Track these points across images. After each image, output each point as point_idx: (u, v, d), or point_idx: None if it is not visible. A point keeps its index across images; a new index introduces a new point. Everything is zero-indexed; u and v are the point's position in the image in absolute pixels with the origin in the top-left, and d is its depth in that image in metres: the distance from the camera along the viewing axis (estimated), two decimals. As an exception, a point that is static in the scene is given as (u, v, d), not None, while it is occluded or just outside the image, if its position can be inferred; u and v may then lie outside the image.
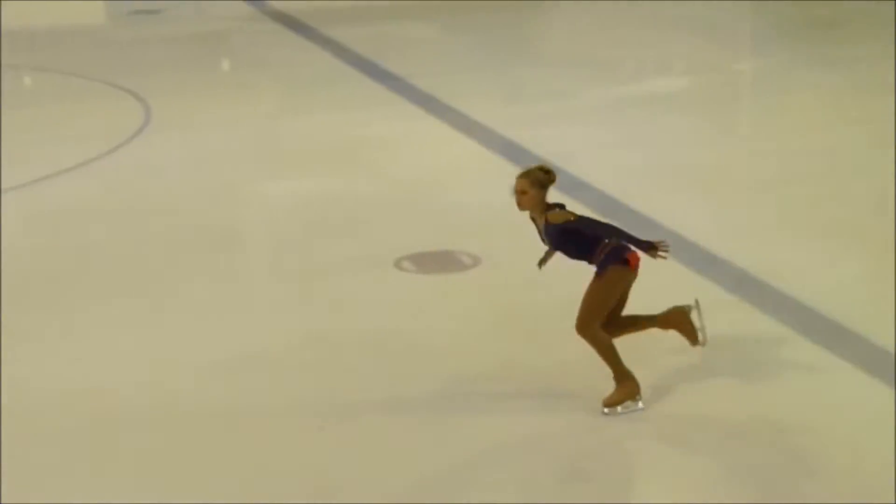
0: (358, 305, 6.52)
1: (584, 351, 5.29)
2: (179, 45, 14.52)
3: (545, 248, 5.40)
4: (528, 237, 7.47)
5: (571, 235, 5.20)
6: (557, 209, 5.23)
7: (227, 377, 5.69)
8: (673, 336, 5.51)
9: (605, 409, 5.23)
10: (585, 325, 5.22)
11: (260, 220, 8.24)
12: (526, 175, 5.25)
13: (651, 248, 5.16)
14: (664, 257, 5.20)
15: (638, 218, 7.60)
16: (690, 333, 5.49)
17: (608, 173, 8.61)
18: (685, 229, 7.31)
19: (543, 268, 5.50)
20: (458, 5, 16.76)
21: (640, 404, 5.27)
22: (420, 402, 5.40)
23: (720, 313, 5.81)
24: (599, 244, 5.17)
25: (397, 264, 7.05)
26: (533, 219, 5.37)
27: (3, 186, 8.66)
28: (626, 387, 5.28)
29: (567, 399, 5.37)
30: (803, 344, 5.82)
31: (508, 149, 9.38)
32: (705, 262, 6.84)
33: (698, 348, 5.52)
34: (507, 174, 8.69)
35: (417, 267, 7.06)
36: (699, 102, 10.91)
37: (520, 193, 5.24)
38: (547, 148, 9.20)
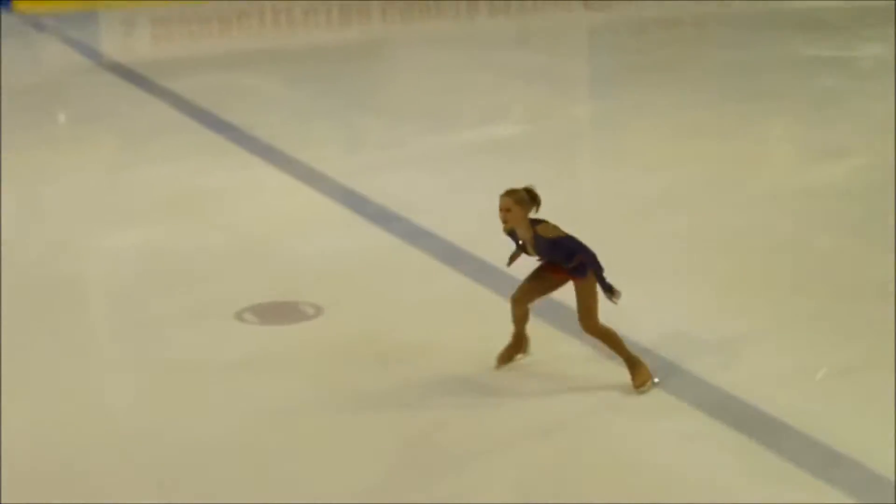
0: (198, 359, 6.37)
1: (429, 396, 5.25)
2: (14, 98, 14.15)
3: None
4: (370, 285, 7.46)
5: (557, 247, 5.70)
6: (544, 224, 5.71)
7: (60, 436, 5.49)
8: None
9: (640, 391, 5.74)
10: (592, 324, 5.74)
11: (96, 274, 8.02)
12: (509, 194, 5.70)
13: (609, 289, 5.68)
14: (615, 302, 5.71)
15: (481, 265, 7.62)
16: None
17: (450, 221, 8.63)
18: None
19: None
20: (297, 55, 16.77)
21: (657, 379, 5.82)
22: (263, 453, 5.29)
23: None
24: (576, 256, 5.68)
25: (238, 316, 6.93)
26: (511, 234, 5.79)
27: None
28: (641, 369, 5.81)
29: (412, 439, 5.32)
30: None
31: (349, 198, 9.35)
32: (547, 308, 6.87)
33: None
34: (349, 223, 8.78)
35: (259, 318, 6.95)
36: (537, 147, 11.03)
37: (504, 211, 5.68)
38: (388, 196, 9.20)
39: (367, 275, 7.65)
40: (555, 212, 8.64)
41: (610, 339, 5.81)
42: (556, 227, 5.72)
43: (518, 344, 6.10)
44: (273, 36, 19.95)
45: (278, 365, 6.28)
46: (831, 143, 10.81)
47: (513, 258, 5.96)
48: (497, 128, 12.09)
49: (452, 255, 7.85)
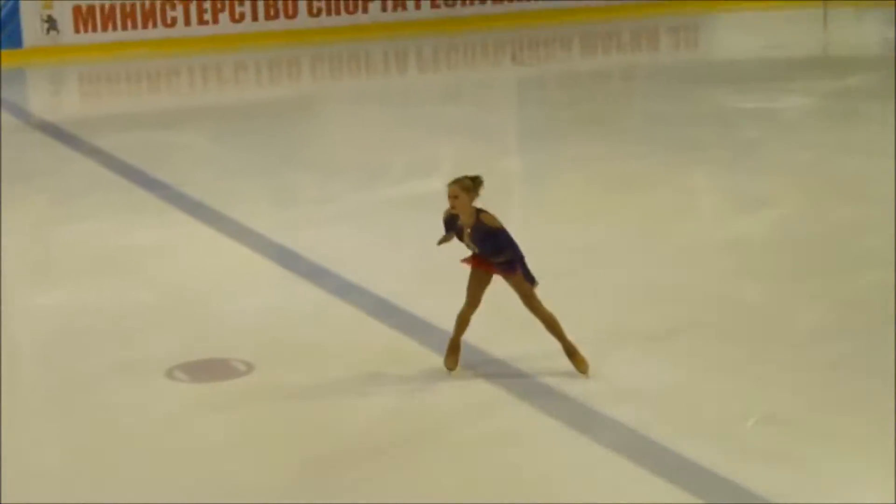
0: (127, 417, 6.35)
1: (358, 451, 5.27)
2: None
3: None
4: (300, 340, 7.48)
5: (491, 238, 6.44)
6: (486, 213, 6.46)
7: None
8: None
9: (586, 374, 6.52)
10: (535, 304, 6.51)
11: (24, 333, 7.97)
12: (456, 182, 6.46)
13: (532, 280, 6.50)
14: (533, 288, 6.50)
15: (411, 319, 7.68)
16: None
17: (380, 275, 8.68)
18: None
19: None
20: (227, 112, 16.79)
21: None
22: (195, 514, 5.28)
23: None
24: (504, 252, 6.46)
25: (169, 374, 6.92)
26: (447, 221, 6.54)
27: None
28: (579, 356, 6.56)
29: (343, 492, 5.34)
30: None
31: (280, 254, 9.37)
32: (484, 362, 6.93)
33: None
34: (280, 279, 8.80)
35: (190, 376, 6.94)
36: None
37: (452, 198, 6.44)
38: (318, 252, 9.24)
39: (297, 330, 7.67)
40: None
41: (551, 324, 6.56)
42: (495, 218, 6.47)
43: (457, 350, 6.71)
44: (203, 92, 19.99)
45: (210, 422, 6.28)
46: (756, 194, 10.99)
47: (443, 240, 6.59)
48: (426, 182, 12.13)
49: (382, 310, 7.90)
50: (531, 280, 6.49)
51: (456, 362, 6.71)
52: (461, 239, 6.53)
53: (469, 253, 6.59)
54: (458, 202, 6.46)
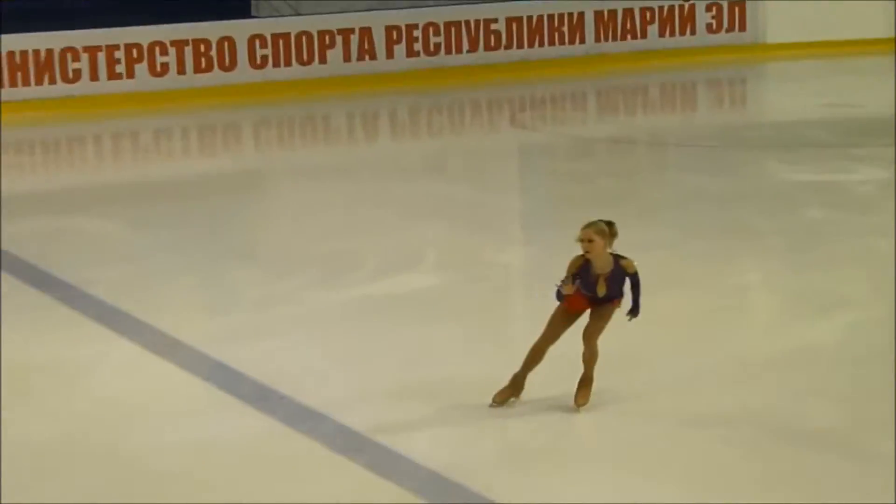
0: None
1: None
2: None
3: None
4: (246, 483, 7.50)
5: (623, 282, 8.14)
6: (626, 259, 8.12)
7: None
8: None
9: (579, 405, 8.23)
10: (595, 341, 8.20)
11: None
12: (590, 226, 7.99)
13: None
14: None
15: (385, 454, 7.71)
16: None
17: (346, 399, 8.70)
18: (449, 469, 7.48)
19: None
20: (148, 192, 16.80)
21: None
22: None
23: None
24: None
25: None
26: (577, 271, 8.09)
27: None
28: (587, 391, 8.27)
29: None
30: None
31: (218, 373, 9.39)
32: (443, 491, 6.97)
33: None
34: (218, 406, 8.80)
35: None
36: (455, 305, 11.13)
37: (587, 242, 7.96)
38: (265, 369, 9.26)
39: (239, 472, 7.67)
40: (486, 385, 8.75)
41: (594, 359, 8.22)
42: (632, 263, 8.13)
43: (516, 386, 8.26)
44: (116, 166, 19.98)
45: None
46: (823, 292, 11.06)
47: (566, 289, 8.05)
48: (404, 280, 12.17)
49: (349, 444, 7.92)
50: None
51: (506, 399, 8.26)
52: (589, 288, 8.05)
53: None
54: (594, 247, 7.95)
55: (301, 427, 8.29)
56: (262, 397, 8.84)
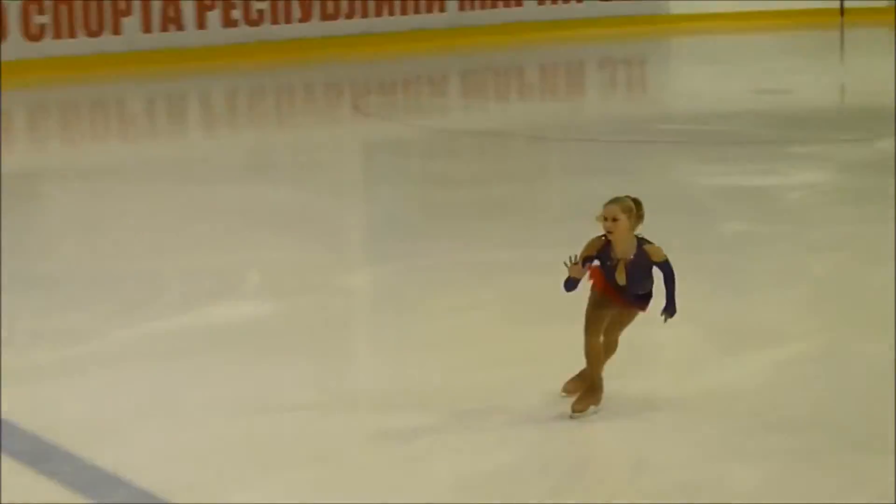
0: None
1: None
2: None
3: None
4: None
5: (648, 272, 8.57)
6: (653, 246, 8.50)
7: None
8: None
9: (575, 412, 8.71)
10: (620, 333, 8.89)
11: None
12: (615, 201, 8.39)
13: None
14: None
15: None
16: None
17: (151, 459, 8.68)
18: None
19: None
20: None
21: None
22: None
23: None
24: (647, 284, 8.69)
25: None
26: (593, 254, 8.52)
27: None
28: (593, 397, 8.78)
29: None
30: None
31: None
32: None
33: None
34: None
35: None
36: (290, 337, 11.12)
37: (610, 221, 8.31)
38: (47, 420, 9.19)
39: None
40: (324, 439, 8.76)
41: (610, 353, 8.82)
42: (661, 251, 8.51)
43: (595, 389, 8.79)
44: None
45: None
46: (748, 324, 11.20)
47: (575, 272, 8.46)
48: (225, 308, 12.16)
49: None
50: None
51: (587, 406, 8.76)
52: (606, 277, 8.51)
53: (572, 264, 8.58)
54: (618, 226, 8.34)
55: (91, 493, 8.23)
56: (41, 457, 8.76)
